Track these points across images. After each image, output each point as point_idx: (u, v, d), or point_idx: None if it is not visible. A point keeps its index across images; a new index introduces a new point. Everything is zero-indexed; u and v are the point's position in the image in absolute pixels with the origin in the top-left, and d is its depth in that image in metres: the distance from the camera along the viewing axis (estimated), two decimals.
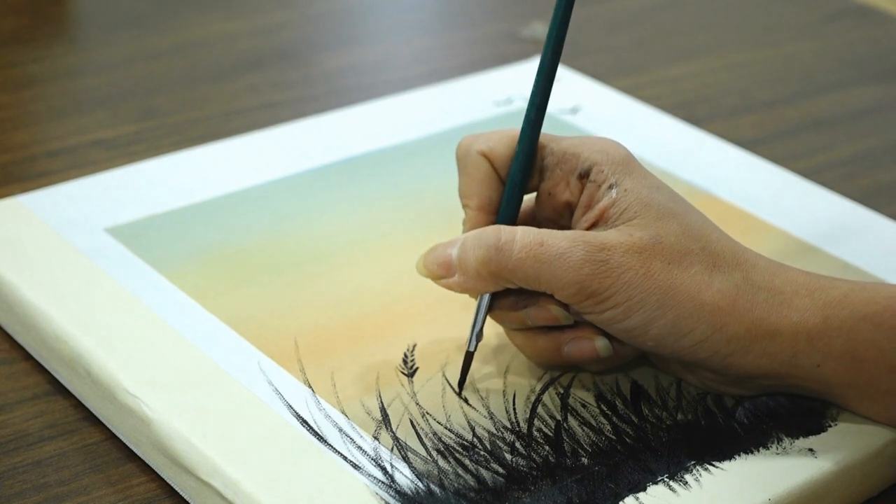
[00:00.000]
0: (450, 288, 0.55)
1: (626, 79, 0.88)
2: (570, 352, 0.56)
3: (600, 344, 0.55)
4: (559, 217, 0.57)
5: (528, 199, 0.58)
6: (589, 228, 0.55)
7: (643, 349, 0.55)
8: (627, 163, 0.55)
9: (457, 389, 0.56)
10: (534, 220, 0.58)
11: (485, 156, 0.56)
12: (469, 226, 0.57)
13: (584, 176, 0.55)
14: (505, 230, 0.54)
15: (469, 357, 0.56)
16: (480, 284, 0.55)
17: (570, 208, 0.56)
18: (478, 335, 0.56)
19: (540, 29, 0.95)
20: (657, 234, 0.53)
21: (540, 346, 0.56)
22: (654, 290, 0.52)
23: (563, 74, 0.83)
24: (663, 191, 0.55)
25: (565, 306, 0.55)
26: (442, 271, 0.55)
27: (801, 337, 0.53)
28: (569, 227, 0.56)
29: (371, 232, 0.67)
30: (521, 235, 0.53)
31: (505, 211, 0.56)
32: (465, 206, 0.57)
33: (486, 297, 0.56)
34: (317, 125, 0.76)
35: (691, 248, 0.53)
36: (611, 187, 0.54)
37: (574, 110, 0.79)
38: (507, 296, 0.56)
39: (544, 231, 0.53)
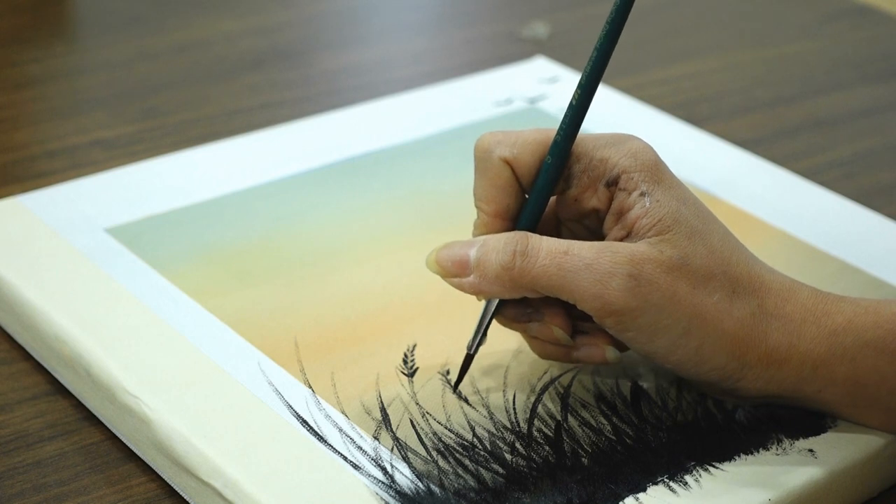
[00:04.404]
0: (460, 288, 0.54)
1: (626, 79, 0.88)
2: (580, 356, 0.55)
3: (610, 354, 0.55)
4: (584, 218, 0.56)
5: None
6: (621, 239, 0.53)
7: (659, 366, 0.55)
8: (656, 169, 0.54)
9: (453, 386, 0.56)
10: (555, 219, 0.57)
11: (508, 163, 0.54)
12: (483, 230, 0.55)
13: (612, 184, 0.54)
14: (534, 237, 0.53)
15: (468, 359, 0.56)
16: (497, 289, 0.53)
17: (596, 214, 0.55)
18: (481, 339, 0.56)
19: (540, 29, 0.95)
20: (685, 255, 0.52)
21: (549, 350, 0.56)
22: (681, 315, 0.52)
23: (562, 74, 0.83)
24: (689, 203, 0.53)
25: (584, 317, 0.54)
26: (456, 269, 0.54)
27: (806, 366, 0.53)
28: (594, 230, 0.55)
29: (371, 232, 0.67)
30: (548, 243, 0.52)
31: (528, 221, 0.55)
32: (479, 209, 0.55)
33: (494, 303, 0.55)
34: (317, 125, 0.76)
35: (714, 273, 0.52)
36: (643, 195, 0.53)
37: None
38: (513, 306, 0.55)
39: (570, 241, 0.52)
